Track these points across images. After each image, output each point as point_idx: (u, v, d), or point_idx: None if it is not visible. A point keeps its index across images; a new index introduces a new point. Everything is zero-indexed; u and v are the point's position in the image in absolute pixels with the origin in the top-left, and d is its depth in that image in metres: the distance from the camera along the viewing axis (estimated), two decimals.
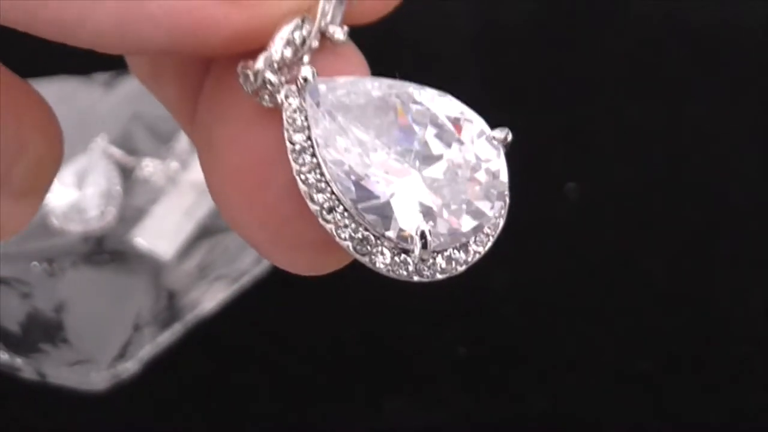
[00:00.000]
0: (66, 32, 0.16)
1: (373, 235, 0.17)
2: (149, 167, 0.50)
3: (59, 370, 0.43)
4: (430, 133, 0.17)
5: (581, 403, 0.44)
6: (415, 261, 0.17)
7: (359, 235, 0.17)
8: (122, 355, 0.43)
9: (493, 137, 0.18)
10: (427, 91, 0.17)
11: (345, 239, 0.17)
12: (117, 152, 0.50)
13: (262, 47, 0.17)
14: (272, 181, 0.17)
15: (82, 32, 0.16)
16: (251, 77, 0.17)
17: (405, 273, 0.17)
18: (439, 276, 0.17)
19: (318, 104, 0.17)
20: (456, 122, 0.17)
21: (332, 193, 0.16)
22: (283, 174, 0.17)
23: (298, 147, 0.17)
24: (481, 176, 0.17)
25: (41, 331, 0.44)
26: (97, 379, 0.43)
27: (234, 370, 0.44)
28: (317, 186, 0.17)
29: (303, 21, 0.17)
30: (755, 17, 0.55)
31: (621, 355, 0.45)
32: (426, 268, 0.17)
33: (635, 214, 0.49)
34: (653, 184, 0.50)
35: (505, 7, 0.56)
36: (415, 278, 0.17)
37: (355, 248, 0.17)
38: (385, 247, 0.17)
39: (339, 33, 0.17)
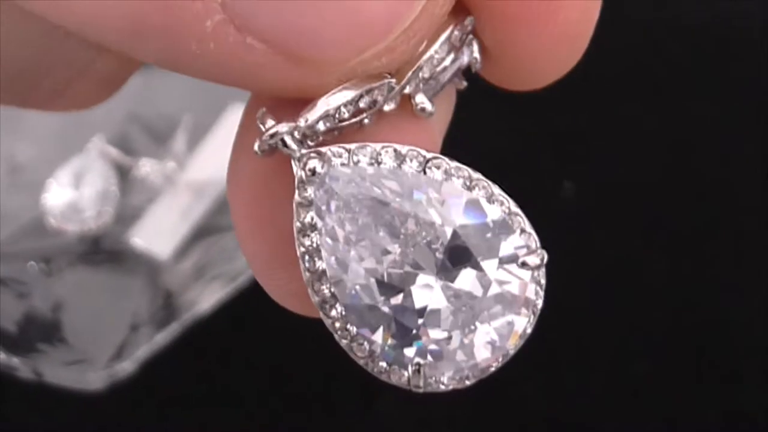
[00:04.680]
0: (153, 59, 0.15)
1: (369, 342, 0.16)
2: (146, 167, 0.50)
3: (56, 369, 0.43)
4: (448, 245, 0.15)
5: (577, 404, 0.44)
6: (410, 383, 0.16)
7: (354, 342, 0.16)
8: (119, 354, 0.43)
9: (524, 262, 0.16)
10: (464, 191, 0.15)
11: (341, 339, 0.16)
12: (114, 152, 0.50)
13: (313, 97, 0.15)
14: (270, 226, 0.17)
15: (141, 54, 0.15)
16: (267, 137, 0.15)
17: (401, 381, 0.16)
18: (442, 388, 0.16)
19: (326, 195, 0.15)
20: (483, 237, 0.15)
21: (331, 289, 0.15)
22: (279, 225, 0.16)
23: (304, 228, 0.15)
24: (503, 302, 0.15)
25: (38, 331, 0.44)
26: (93, 378, 0.43)
27: (230, 370, 0.45)
28: (319, 276, 0.15)
29: (368, 92, 0.15)
30: (754, 17, 0.55)
31: (618, 355, 0.45)
32: (425, 385, 0.16)
33: (632, 213, 0.49)
34: (650, 182, 0.50)
35: None
36: (413, 389, 0.16)
37: (350, 347, 0.16)
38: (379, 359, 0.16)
39: (427, 105, 0.15)
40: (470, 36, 0.16)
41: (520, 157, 0.46)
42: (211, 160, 0.50)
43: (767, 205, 0.49)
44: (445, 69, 0.15)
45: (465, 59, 0.16)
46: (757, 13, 0.55)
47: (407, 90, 0.15)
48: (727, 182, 0.50)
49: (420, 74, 0.15)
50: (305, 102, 0.15)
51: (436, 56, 0.15)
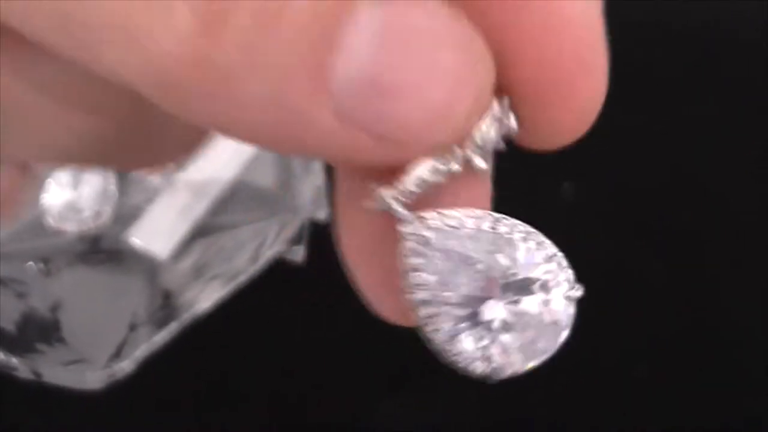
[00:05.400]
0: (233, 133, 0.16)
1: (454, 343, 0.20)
2: None
3: (55, 369, 0.43)
4: (512, 280, 0.19)
5: (577, 407, 0.44)
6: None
7: (443, 346, 0.20)
8: (118, 354, 0.43)
9: (568, 296, 0.21)
10: (521, 241, 0.20)
11: (431, 337, 0.20)
12: None
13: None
14: (378, 266, 0.20)
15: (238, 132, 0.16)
16: (377, 203, 0.19)
17: (476, 373, 0.20)
18: (506, 374, 0.20)
19: (424, 250, 0.19)
20: (544, 280, 0.20)
21: (427, 314, 0.19)
22: (386, 264, 0.20)
23: (407, 271, 0.19)
24: (550, 324, 0.20)
25: (37, 331, 0.44)
26: (92, 378, 0.43)
27: (230, 370, 0.45)
28: (418, 305, 0.19)
29: (446, 158, 0.18)
30: (753, 18, 0.55)
31: (617, 357, 0.45)
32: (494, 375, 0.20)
33: (631, 215, 0.49)
34: (650, 184, 0.50)
35: None
36: (485, 380, 0.20)
37: (439, 348, 0.20)
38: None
39: (482, 163, 0.19)
40: (508, 111, 0.19)
41: (521, 159, 0.46)
42: (211, 159, 0.50)
43: (767, 205, 0.49)
44: (492, 137, 0.19)
45: (505, 129, 0.19)
46: (757, 15, 0.55)
47: (468, 153, 0.19)
48: (727, 183, 0.50)
49: (479, 141, 0.19)
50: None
51: (484, 127, 0.19)
